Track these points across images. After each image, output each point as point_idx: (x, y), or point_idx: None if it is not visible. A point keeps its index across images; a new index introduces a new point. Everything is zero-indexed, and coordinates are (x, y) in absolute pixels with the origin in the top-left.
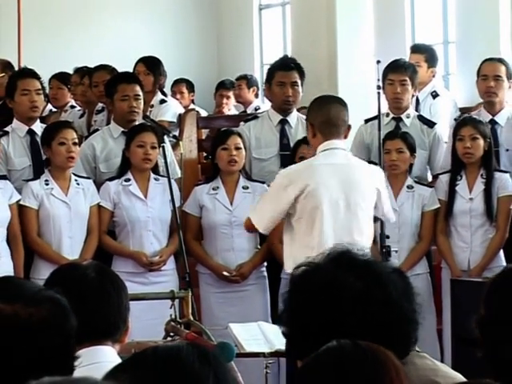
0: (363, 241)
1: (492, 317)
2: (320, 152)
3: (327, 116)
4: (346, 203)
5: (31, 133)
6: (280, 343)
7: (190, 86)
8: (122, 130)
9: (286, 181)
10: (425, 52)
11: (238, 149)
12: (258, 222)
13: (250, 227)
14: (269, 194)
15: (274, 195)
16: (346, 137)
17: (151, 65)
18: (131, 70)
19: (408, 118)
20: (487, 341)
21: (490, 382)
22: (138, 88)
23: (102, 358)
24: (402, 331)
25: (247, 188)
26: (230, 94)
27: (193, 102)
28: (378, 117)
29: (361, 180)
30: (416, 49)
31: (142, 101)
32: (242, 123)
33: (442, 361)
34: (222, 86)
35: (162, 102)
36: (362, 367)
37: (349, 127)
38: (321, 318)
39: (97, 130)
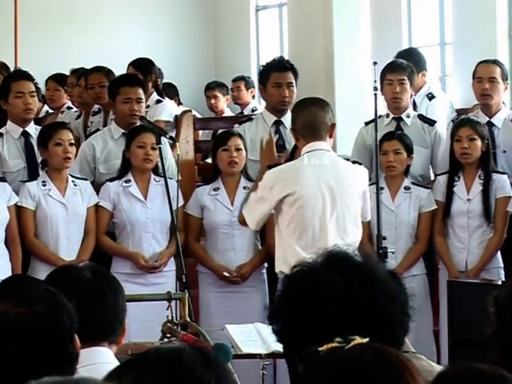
0: (350, 241)
1: None
2: (304, 154)
3: (305, 120)
4: (333, 204)
5: (25, 134)
6: (276, 344)
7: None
8: (123, 131)
9: (271, 182)
10: (410, 60)
11: (238, 150)
12: (249, 220)
13: (243, 222)
14: (257, 194)
15: (261, 196)
16: (331, 136)
17: (140, 67)
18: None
19: (408, 117)
20: (507, 327)
21: None
22: (140, 91)
23: (99, 359)
24: (385, 333)
25: (248, 188)
26: (216, 93)
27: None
28: (375, 119)
29: (348, 180)
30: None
31: (143, 104)
32: (236, 125)
33: (438, 362)
34: (206, 88)
35: (158, 102)
36: (376, 371)
37: (333, 126)
38: (304, 318)
39: (97, 130)
